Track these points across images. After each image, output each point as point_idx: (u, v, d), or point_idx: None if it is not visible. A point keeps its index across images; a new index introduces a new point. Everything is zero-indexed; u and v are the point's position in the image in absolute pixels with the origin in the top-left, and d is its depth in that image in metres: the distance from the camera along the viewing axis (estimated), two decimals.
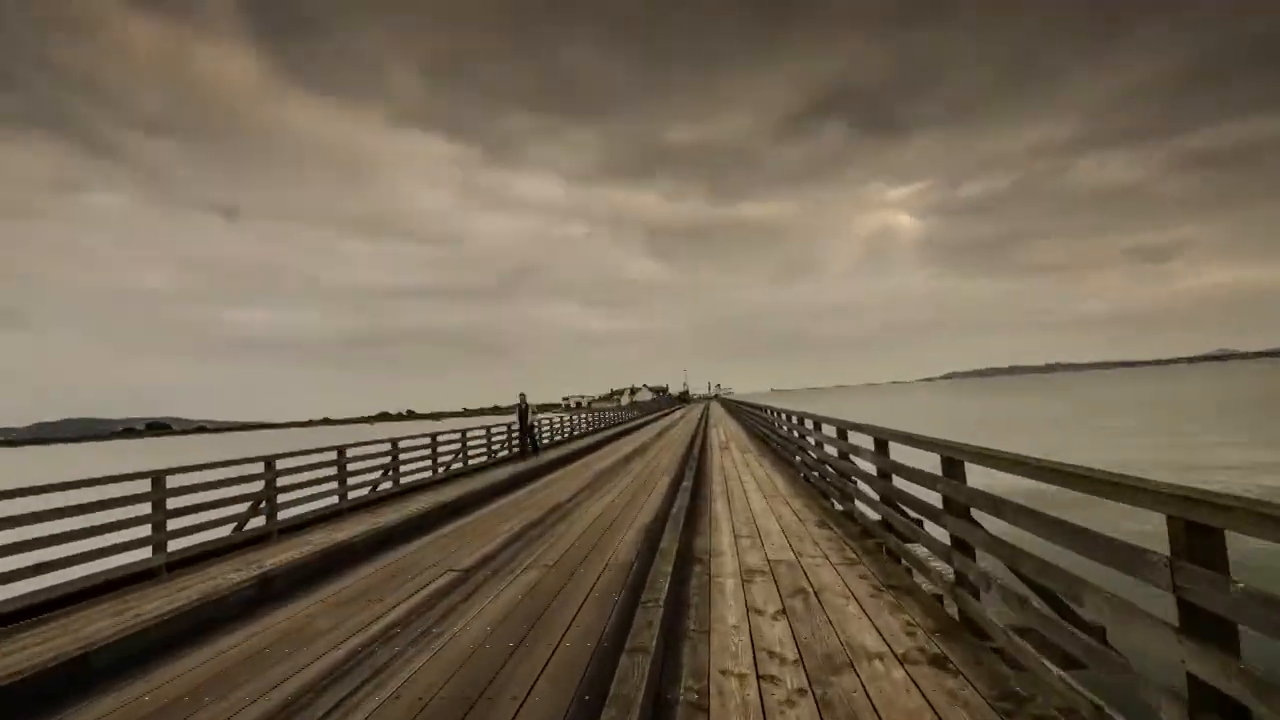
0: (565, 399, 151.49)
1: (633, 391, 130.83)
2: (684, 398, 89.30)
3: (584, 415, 30.31)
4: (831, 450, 7.10)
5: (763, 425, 18.02)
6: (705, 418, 33.83)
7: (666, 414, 52.96)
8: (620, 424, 35.01)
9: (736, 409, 35.59)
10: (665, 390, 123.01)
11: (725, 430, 23.49)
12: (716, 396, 46.62)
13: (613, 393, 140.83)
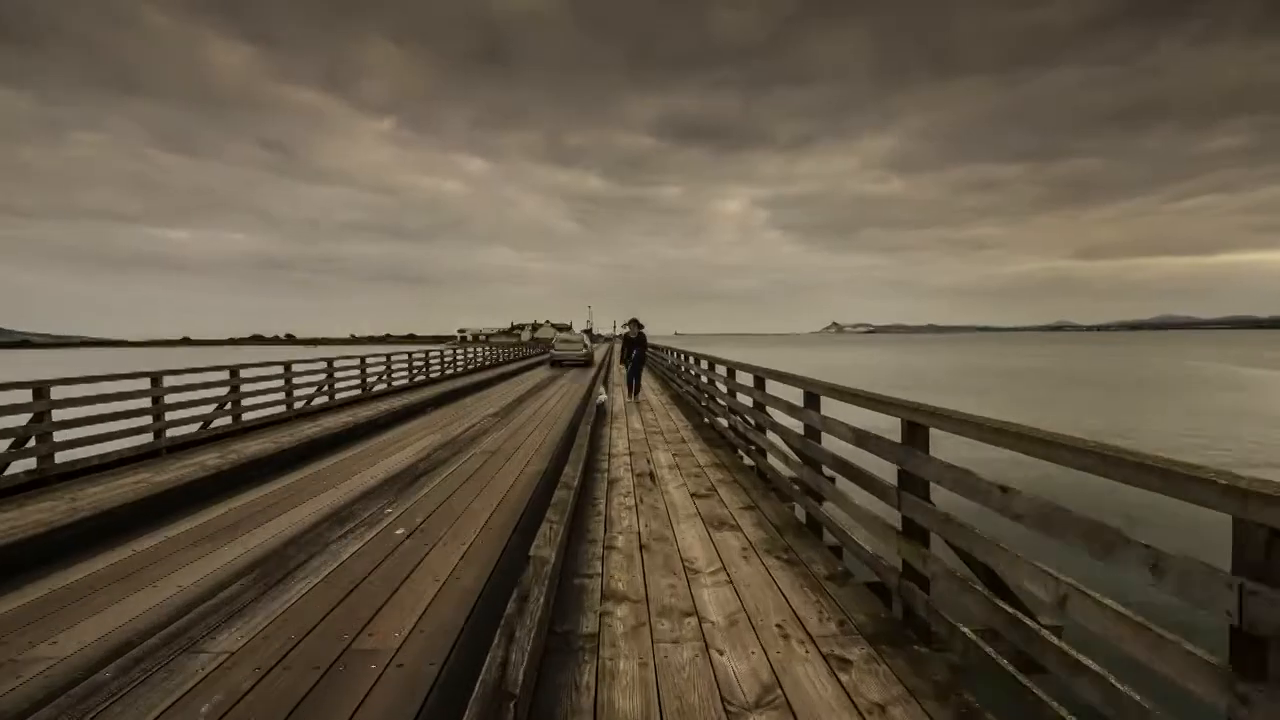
0: (460, 331, 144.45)
1: (535, 327, 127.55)
2: (587, 336, 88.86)
3: (468, 351, 26.98)
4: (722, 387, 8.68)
5: (664, 367, 18.69)
6: (608, 359, 31.74)
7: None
8: (508, 364, 30.77)
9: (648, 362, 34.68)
10: (568, 327, 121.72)
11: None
12: (626, 338, 43.76)
13: (513, 327, 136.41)
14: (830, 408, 4.46)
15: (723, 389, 8.54)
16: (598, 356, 37.55)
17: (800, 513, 4.88)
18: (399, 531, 4.56)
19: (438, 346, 25.18)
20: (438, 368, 20.19)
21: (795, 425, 4.99)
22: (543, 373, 23.37)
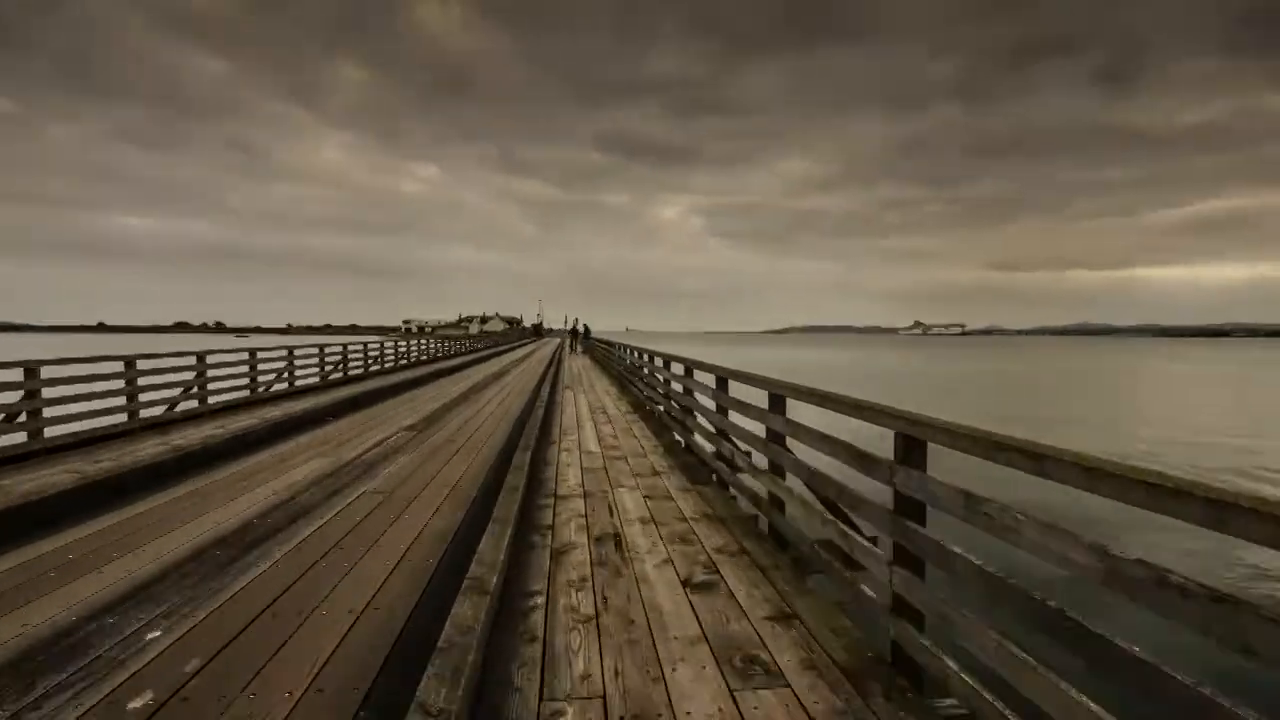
0: (406, 323, 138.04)
1: (484, 320, 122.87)
2: (537, 331, 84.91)
3: (407, 344, 24.57)
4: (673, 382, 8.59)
5: (621, 367, 17.25)
6: (558, 355, 29.17)
7: (514, 348, 43.97)
8: (448, 358, 27.58)
9: (594, 347, 30.88)
10: (519, 321, 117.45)
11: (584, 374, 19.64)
12: (574, 331, 41.41)
13: (461, 319, 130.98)
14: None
15: (707, 404, 6.35)
16: (543, 353, 33.64)
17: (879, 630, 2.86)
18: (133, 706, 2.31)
19: (377, 338, 23.09)
20: (360, 363, 17.52)
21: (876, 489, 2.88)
22: (486, 369, 21.12)
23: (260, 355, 11.87)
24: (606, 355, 21.64)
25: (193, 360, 9.45)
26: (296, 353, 13.50)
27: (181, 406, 9.02)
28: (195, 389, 9.40)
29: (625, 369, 16.62)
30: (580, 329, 43.19)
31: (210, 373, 9.82)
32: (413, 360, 23.32)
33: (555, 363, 22.79)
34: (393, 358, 21.12)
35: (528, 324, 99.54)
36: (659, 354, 10.02)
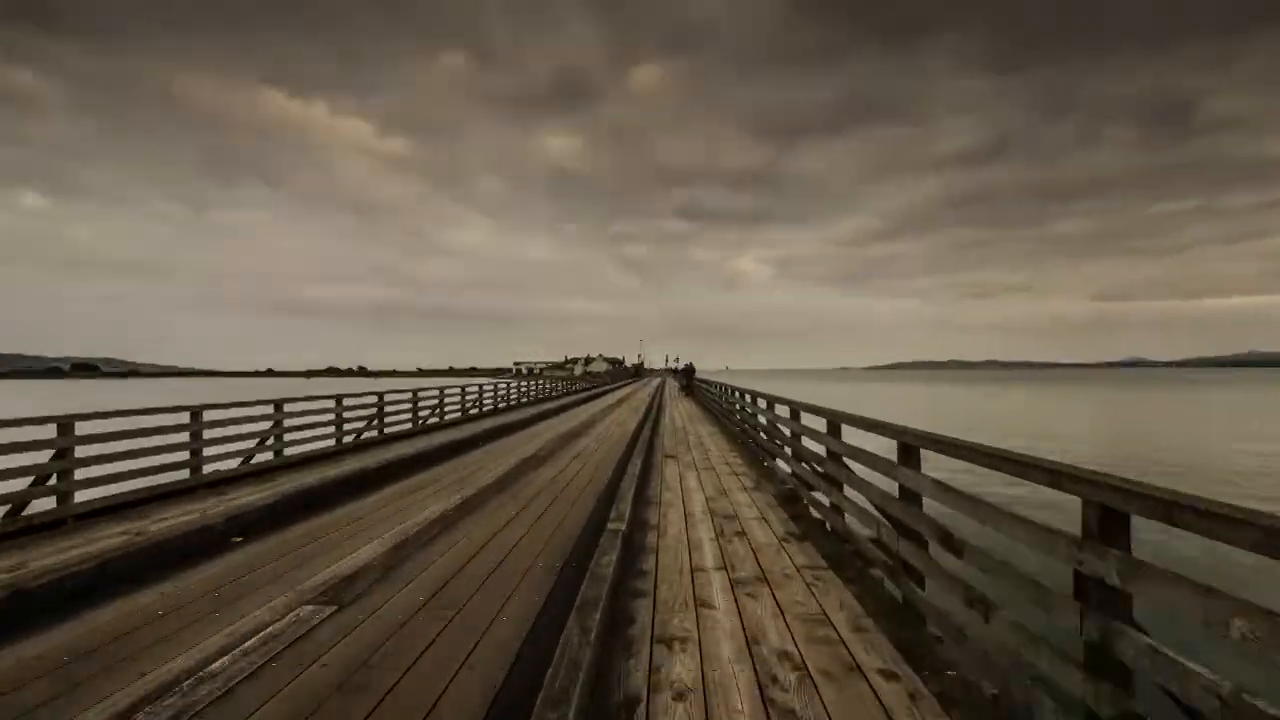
0: (516, 364, 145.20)
1: (587, 361, 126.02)
2: (638, 371, 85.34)
3: (509, 385, 25.20)
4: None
5: (719, 406, 15.89)
6: (658, 401, 24.82)
7: (606, 391, 40.73)
8: (549, 400, 27.45)
9: (697, 388, 27.01)
10: (621, 362, 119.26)
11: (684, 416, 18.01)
12: (676, 370, 38.07)
13: (566, 361, 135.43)
14: None
15: (880, 482, 4.05)
16: (641, 396, 30.07)
17: None
18: None
19: (490, 380, 24.11)
20: (457, 406, 17.58)
21: None
22: (584, 412, 20.45)
23: (346, 401, 11.99)
24: (712, 399, 18.71)
25: (270, 410, 9.54)
26: (387, 398, 13.55)
27: (231, 463, 8.95)
28: (271, 440, 9.44)
29: (722, 409, 15.31)
30: (680, 366, 40.45)
31: (294, 421, 9.93)
32: (512, 402, 23.38)
33: (654, 411, 18.97)
34: (491, 400, 21.11)
35: (629, 364, 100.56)
36: (781, 401, 7.72)
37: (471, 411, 18.96)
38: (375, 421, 13.09)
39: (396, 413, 14.02)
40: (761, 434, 9.63)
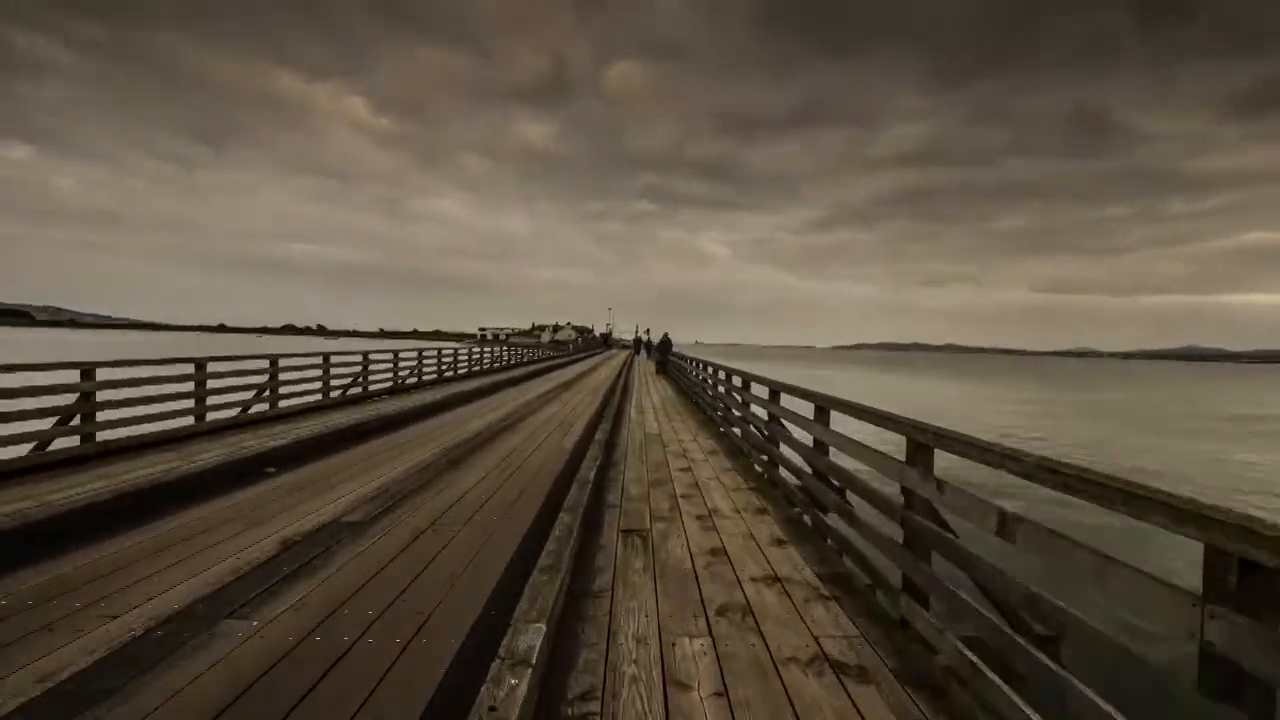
0: (481, 330, 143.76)
1: (556, 329, 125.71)
2: (606, 340, 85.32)
3: (470, 352, 23.93)
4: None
5: (690, 383, 14.40)
6: (625, 377, 22.21)
7: (584, 357, 40.64)
8: (514, 367, 26.58)
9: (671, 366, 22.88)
10: (590, 330, 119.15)
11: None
12: (644, 342, 40.87)
13: (534, 327, 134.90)
14: None
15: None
16: (603, 374, 24.73)
17: None
18: None
19: (453, 345, 23.75)
20: (409, 371, 16.47)
21: None
22: (548, 382, 19.43)
23: (287, 364, 12.44)
24: (694, 385, 14.45)
25: (265, 364, 10.01)
26: (333, 359, 12.90)
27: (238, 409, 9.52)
28: (267, 392, 9.93)
29: (693, 385, 13.94)
30: (647, 339, 38.27)
31: (281, 375, 10.39)
32: (470, 369, 22.29)
33: (615, 397, 14.40)
34: (448, 365, 19.88)
35: (598, 333, 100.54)
36: (774, 385, 6.27)
37: (447, 374, 19.26)
38: (360, 379, 13.57)
39: (379, 372, 14.49)
40: (784, 469, 5.83)
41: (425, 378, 17.64)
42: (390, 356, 15.36)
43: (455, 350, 21.39)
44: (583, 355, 47.47)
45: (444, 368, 19.52)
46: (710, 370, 11.79)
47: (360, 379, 13.59)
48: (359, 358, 13.60)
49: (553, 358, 38.46)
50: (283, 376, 10.31)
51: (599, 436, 7.90)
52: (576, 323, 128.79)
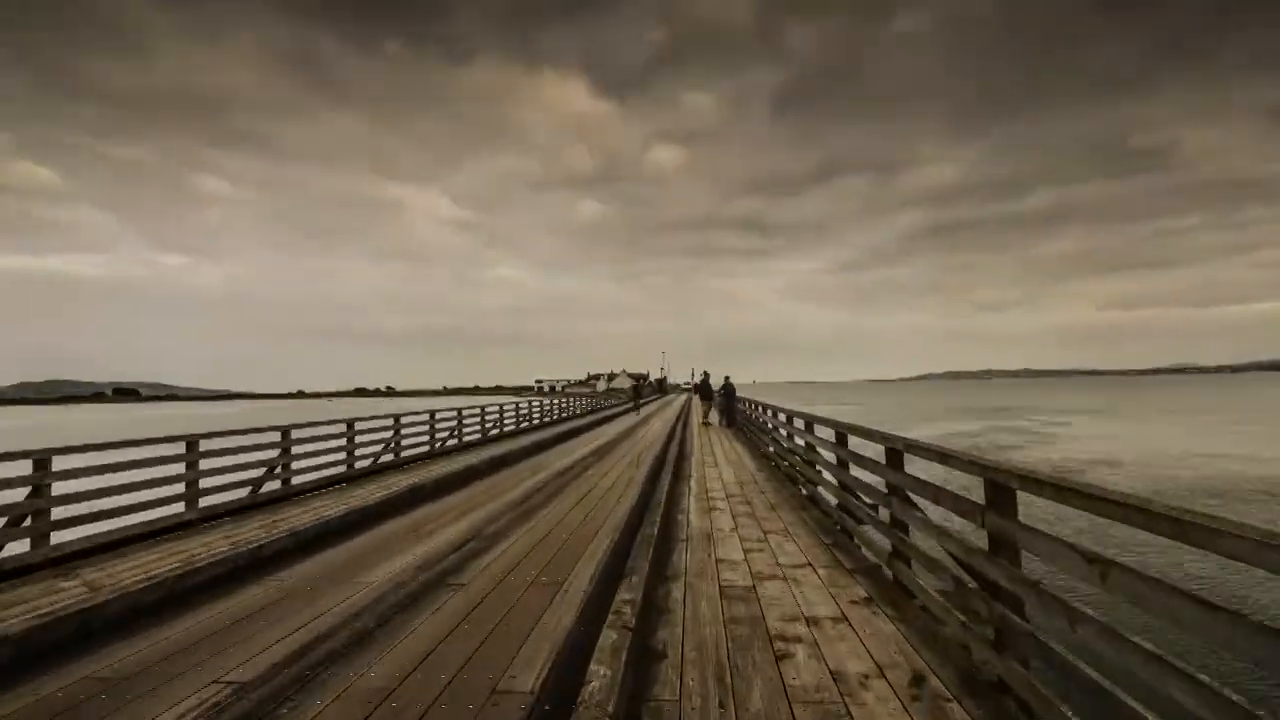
0: (538, 381, 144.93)
1: (610, 377, 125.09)
2: (661, 386, 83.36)
3: (518, 406, 23.03)
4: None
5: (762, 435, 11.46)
6: (681, 429, 18.92)
7: (623, 412, 32.47)
8: (565, 421, 24.67)
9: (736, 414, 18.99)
10: (646, 377, 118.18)
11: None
12: (702, 386, 25.16)
13: (589, 377, 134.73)
14: None
15: None
16: (659, 423, 22.27)
17: None
18: None
19: (499, 400, 23.18)
20: (449, 431, 15.27)
21: None
22: (599, 437, 17.86)
23: (359, 425, 11.47)
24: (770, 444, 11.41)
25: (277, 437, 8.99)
26: (404, 419, 12.97)
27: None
28: (279, 469, 8.88)
29: (763, 435, 11.31)
30: (701, 380, 28.15)
31: (302, 448, 9.39)
32: (519, 426, 21.25)
33: (679, 438, 14.44)
34: (494, 422, 18.72)
35: (652, 379, 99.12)
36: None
37: (491, 432, 18.37)
38: (392, 445, 12.55)
39: (414, 435, 13.51)
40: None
41: (467, 438, 16.64)
42: (427, 417, 14.43)
43: (501, 406, 20.55)
44: (626, 406, 38.30)
45: (488, 425, 18.67)
46: (767, 414, 11.29)
47: (393, 444, 12.58)
48: (391, 421, 12.65)
49: (620, 402, 36.50)
50: (298, 450, 9.29)
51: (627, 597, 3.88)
52: (630, 369, 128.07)
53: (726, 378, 20.16)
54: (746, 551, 5.43)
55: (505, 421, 20.24)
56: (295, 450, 9.21)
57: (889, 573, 4.58)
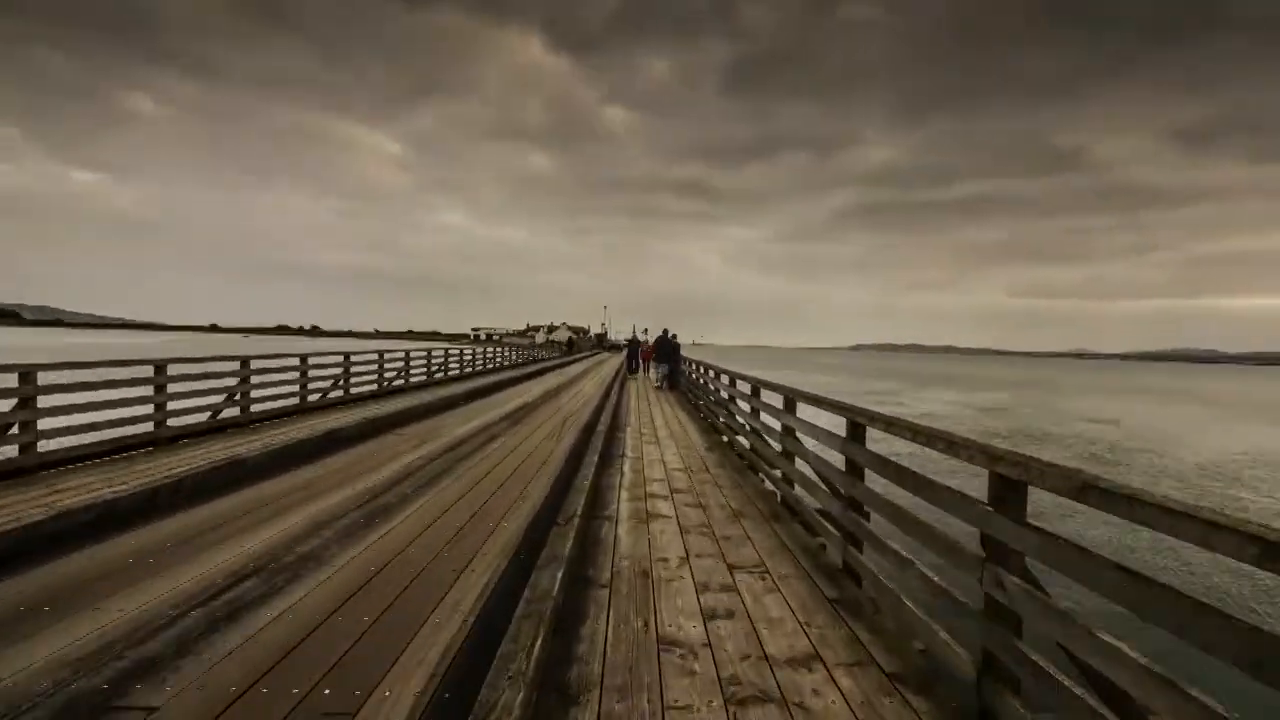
0: (475, 330, 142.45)
1: (550, 329, 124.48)
2: (600, 342, 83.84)
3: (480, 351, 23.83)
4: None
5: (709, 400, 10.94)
6: (617, 386, 18.41)
7: (584, 357, 37.59)
8: (494, 372, 23.85)
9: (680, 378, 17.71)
10: (586, 331, 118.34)
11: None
12: (635, 342, 27.78)
13: (528, 328, 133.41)
14: None
15: None
16: (598, 377, 23.02)
17: None
18: None
19: (440, 345, 23.34)
20: (397, 373, 15.61)
21: None
22: (536, 387, 18.28)
23: (312, 360, 11.84)
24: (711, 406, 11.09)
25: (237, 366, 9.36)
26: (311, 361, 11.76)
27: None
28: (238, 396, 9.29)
29: (712, 402, 10.59)
30: (643, 339, 29.86)
31: (254, 379, 9.77)
32: (443, 374, 20.00)
33: (614, 397, 14.17)
34: (421, 369, 17.88)
35: (593, 334, 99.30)
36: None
37: (437, 375, 19.01)
38: (341, 382, 12.98)
39: (362, 374, 13.91)
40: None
41: (414, 379, 17.10)
42: (376, 358, 14.82)
43: (446, 351, 21.10)
44: (561, 360, 38.87)
45: (434, 369, 19.19)
46: (710, 376, 10.75)
47: (342, 381, 13.00)
48: (340, 358, 13.03)
49: (560, 355, 36.57)
50: (255, 380, 9.69)
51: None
52: (572, 323, 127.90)
53: (670, 334, 18.73)
54: (707, 617, 3.33)
55: (453, 366, 20.80)
56: (254, 380, 9.61)
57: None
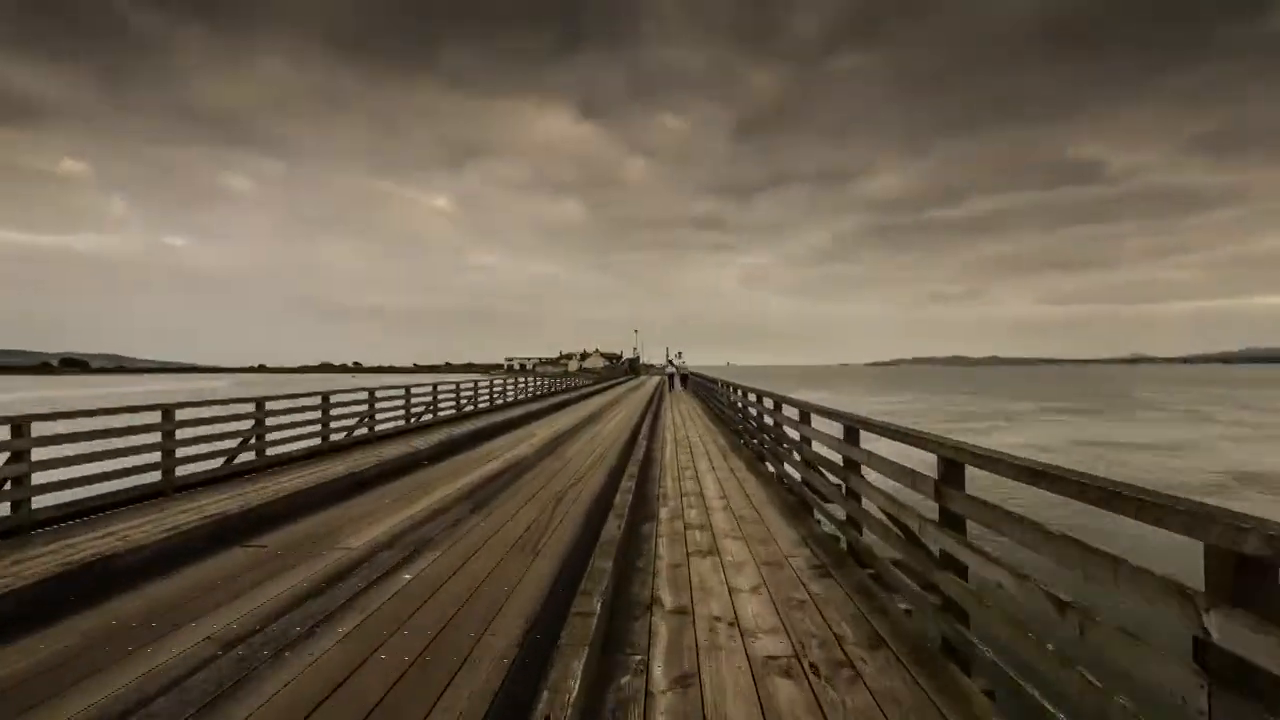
0: (509, 360, 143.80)
1: (583, 356, 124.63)
2: (633, 366, 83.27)
3: (493, 384, 23.17)
4: None
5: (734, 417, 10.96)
6: (654, 412, 16.91)
7: (603, 389, 35.20)
8: (527, 402, 23.53)
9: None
10: (620, 357, 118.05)
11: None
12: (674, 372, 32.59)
13: (561, 356, 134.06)
14: None
15: None
16: (633, 405, 22.02)
17: None
18: None
19: (473, 377, 23.32)
20: (397, 411, 13.96)
21: None
22: (564, 419, 17.45)
23: (335, 399, 11.51)
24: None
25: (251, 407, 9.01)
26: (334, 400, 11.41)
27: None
28: (253, 440, 8.93)
29: (733, 416, 10.87)
30: (679, 367, 33.53)
31: (276, 420, 9.42)
32: (476, 406, 19.66)
33: (650, 423, 13.43)
34: (451, 402, 17.70)
35: (625, 359, 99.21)
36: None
37: (466, 409, 18.65)
38: (366, 419, 12.61)
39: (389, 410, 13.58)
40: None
41: (442, 414, 16.74)
42: (403, 393, 14.49)
43: (476, 383, 20.72)
44: (603, 386, 39.24)
45: (463, 402, 18.84)
46: (735, 395, 11.03)
47: (366, 419, 12.63)
48: (365, 395, 12.69)
49: (593, 383, 36.13)
50: (272, 421, 9.32)
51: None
52: (605, 349, 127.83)
53: (673, 362, 16.60)
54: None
55: (482, 398, 20.58)
56: (270, 422, 9.26)
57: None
